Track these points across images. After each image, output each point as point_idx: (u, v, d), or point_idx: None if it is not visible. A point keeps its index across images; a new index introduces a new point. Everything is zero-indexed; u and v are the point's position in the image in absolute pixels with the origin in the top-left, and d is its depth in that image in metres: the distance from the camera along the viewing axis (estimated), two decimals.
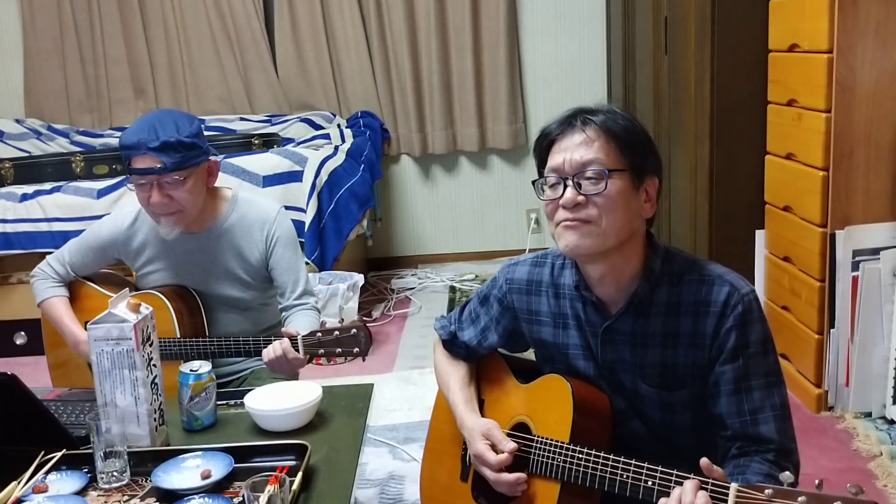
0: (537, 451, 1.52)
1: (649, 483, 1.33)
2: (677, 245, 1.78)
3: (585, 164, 1.40)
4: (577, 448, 1.45)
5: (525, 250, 4.77)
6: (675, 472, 1.30)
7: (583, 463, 1.44)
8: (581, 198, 1.39)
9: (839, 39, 2.65)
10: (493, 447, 1.55)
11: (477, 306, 1.73)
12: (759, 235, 3.23)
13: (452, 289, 4.53)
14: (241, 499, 1.43)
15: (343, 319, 3.58)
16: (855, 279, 2.78)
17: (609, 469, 1.40)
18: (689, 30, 3.33)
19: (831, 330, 2.82)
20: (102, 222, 2.30)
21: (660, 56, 3.63)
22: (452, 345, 1.76)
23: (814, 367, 2.88)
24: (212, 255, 2.18)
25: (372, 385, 1.98)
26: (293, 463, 1.55)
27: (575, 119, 1.44)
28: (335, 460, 1.61)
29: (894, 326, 2.75)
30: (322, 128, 4.52)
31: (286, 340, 1.93)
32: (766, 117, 3.12)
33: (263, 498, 1.34)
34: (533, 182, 1.48)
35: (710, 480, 1.24)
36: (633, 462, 1.37)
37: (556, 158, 1.43)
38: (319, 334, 1.91)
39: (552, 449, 1.49)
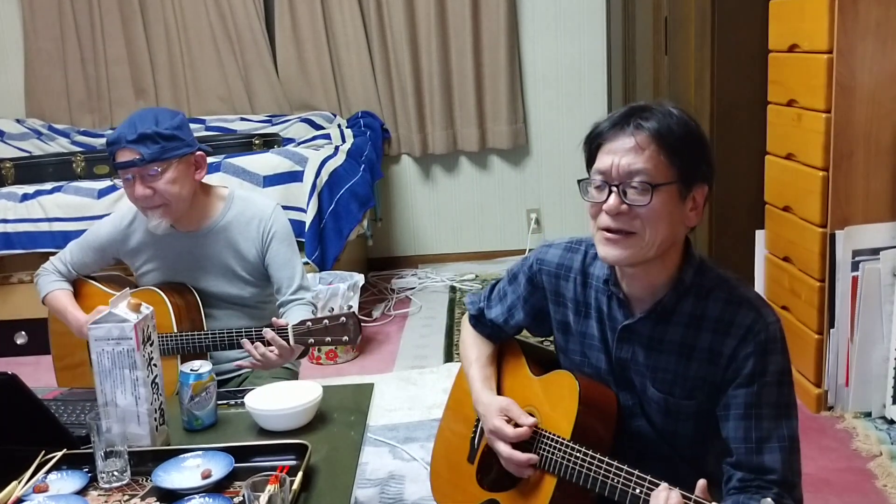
0: (539, 443, 1.53)
1: (637, 491, 1.34)
2: None
3: (632, 174, 1.35)
4: (577, 447, 1.46)
5: (525, 250, 4.76)
6: (662, 483, 1.31)
7: (579, 462, 1.44)
8: (625, 206, 1.35)
9: (839, 40, 2.65)
10: (511, 422, 1.55)
11: (505, 285, 1.72)
12: (759, 235, 3.23)
13: (452, 289, 4.52)
14: (242, 499, 1.43)
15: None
16: (855, 279, 2.78)
17: (602, 472, 1.41)
18: (689, 30, 3.33)
19: (831, 330, 2.82)
20: (102, 222, 2.32)
21: (660, 56, 3.63)
22: (479, 321, 1.76)
23: (814, 367, 2.88)
24: (209, 252, 2.20)
25: (372, 385, 1.98)
26: (293, 463, 1.55)
27: (628, 121, 1.38)
28: (335, 460, 1.61)
29: (894, 326, 2.75)
30: (322, 128, 4.52)
31: (259, 344, 1.98)
32: (766, 117, 3.12)
33: (264, 498, 1.34)
34: (579, 181, 1.44)
35: (695, 497, 1.24)
36: (624, 468, 1.38)
37: (604, 160, 1.38)
38: (309, 323, 1.93)
39: (553, 443, 1.50)
